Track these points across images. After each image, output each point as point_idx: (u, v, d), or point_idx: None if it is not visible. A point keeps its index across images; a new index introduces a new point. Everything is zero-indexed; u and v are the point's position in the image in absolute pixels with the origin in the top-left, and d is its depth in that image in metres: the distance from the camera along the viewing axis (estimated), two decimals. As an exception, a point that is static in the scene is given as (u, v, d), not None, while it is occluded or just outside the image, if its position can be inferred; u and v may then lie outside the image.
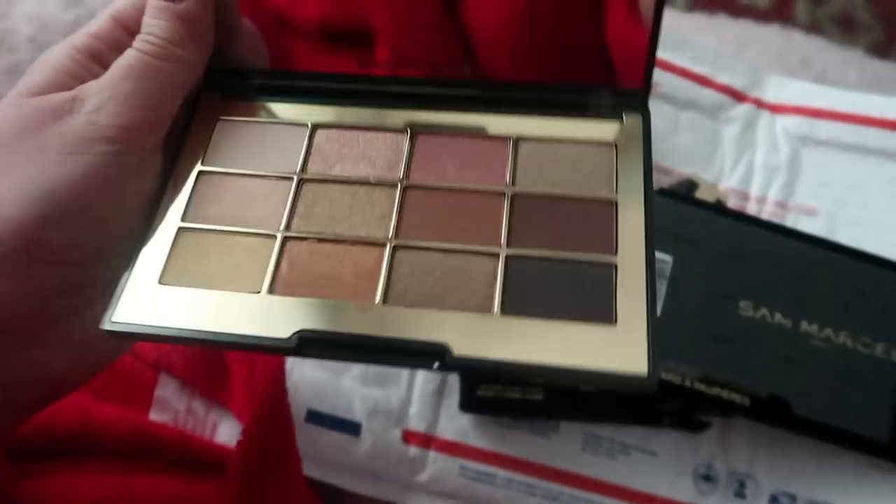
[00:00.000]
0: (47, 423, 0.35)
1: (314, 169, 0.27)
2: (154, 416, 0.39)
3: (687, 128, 0.45)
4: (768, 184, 0.45)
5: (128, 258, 0.25)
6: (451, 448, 0.40)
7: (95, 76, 0.25)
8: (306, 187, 0.26)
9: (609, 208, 0.25)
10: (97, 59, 0.26)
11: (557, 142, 0.27)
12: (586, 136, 0.26)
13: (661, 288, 0.38)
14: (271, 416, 0.35)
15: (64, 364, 0.24)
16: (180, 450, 0.37)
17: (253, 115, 0.28)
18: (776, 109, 0.46)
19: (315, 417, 0.39)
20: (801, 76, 0.48)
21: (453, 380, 0.40)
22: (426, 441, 0.40)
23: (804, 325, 0.37)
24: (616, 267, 0.24)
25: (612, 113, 0.27)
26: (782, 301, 0.38)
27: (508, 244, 0.25)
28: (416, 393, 0.40)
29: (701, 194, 0.41)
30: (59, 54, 0.25)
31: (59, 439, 0.35)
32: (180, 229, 0.25)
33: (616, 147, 0.26)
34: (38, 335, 0.23)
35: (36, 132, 0.23)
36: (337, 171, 0.27)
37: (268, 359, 0.37)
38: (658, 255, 0.38)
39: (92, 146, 0.23)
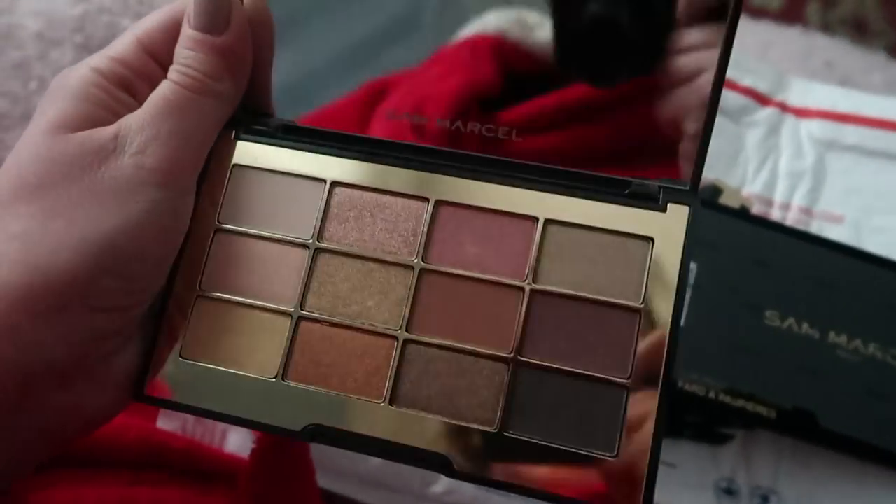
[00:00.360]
0: None
1: (330, 236, 0.26)
2: (162, 423, 0.38)
3: (709, 131, 0.45)
4: (793, 189, 0.44)
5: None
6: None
7: (128, 107, 0.25)
8: (321, 258, 0.26)
9: (633, 319, 0.24)
10: (127, 88, 0.25)
11: (589, 229, 0.25)
12: (622, 225, 0.24)
13: (685, 296, 0.37)
14: None
15: (98, 402, 0.25)
16: (188, 459, 0.36)
17: (268, 162, 0.27)
18: (801, 113, 0.46)
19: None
20: (824, 79, 0.47)
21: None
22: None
23: (832, 336, 0.37)
24: (628, 390, 0.23)
25: (655, 203, 0.24)
26: (810, 311, 0.37)
27: (519, 351, 0.24)
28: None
29: (725, 200, 0.40)
30: (84, 81, 0.25)
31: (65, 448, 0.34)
32: (198, 297, 0.26)
33: (653, 242, 0.24)
34: (81, 376, 0.24)
35: (84, 174, 0.23)
36: (353, 239, 0.26)
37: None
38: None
39: (142, 191, 0.24)
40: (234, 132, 0.27)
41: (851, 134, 0.45)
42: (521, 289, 0.24)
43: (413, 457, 0.23)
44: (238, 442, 0.38)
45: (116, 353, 0.25)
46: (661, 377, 0.23)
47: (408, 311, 0.25)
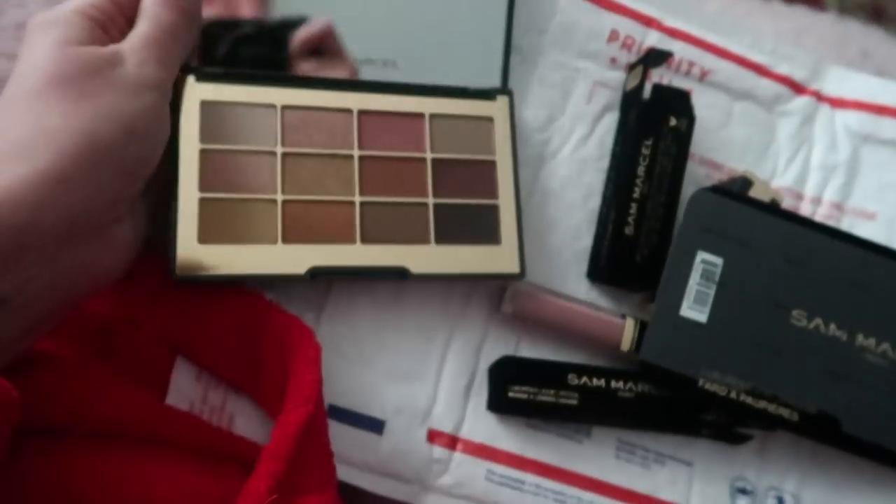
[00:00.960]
0: (66, 399, 0.34)
1: (290, 144, 0.36)
2: (171, 400, 0.38)
3: (740, 120, 0.44)
4: (824, 184, 0.43)
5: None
6: (478, 450, 0.39)
7: (113, 40, 0.31)
8: (288, 161, 0.36)
9: (492, 166, 0.39)
10: (104, 29, 0.32)
11: (457, 117, 0.39)
12: (475, 112, 0.39)
13: (710, 292, 0.37)
14: (314, 402, 0.34)
15: (106, 261, 0.31)
16: (198, 437, 0.36)
17: (228, 97, 0.36)
18: (837, 104, 0.44)
19: (337, 413, 0.38)
20: (861, 69, 0.46)
21: (482, 378, 0.39)
22: (452, 442, 0.39)
23: (860, 339, 0.36)
24: (497, 207, 0.38)
25: (490, 97, 0.39)
26: (838, 312, 0.36)
27: (434, 196, 0.37)
28: (443, 391, 0.39)
29: (755, 193, 0.39)
30: (74, 14, 0.31)
31: (74, 419, 0.34)
32: (202, 199, 0.34)
33: (493, 120, 0.39)
34: (95, 236, 0.29)
35: (101, 74, 0.29)
36: (306, 144, 0.36)
37: (307, 346, 0.36)
38: (708, 256, 0.37)
39: (147, 90, 0.31)
40: (194, 77, 0.36)
41: (890, 127, 0.43)
42: (425, 159, 0.38)
43: (383, 272, 0.36)
44: (244, 426, 0.38)
45: (123, 220, 0.31)
46: (514, 195, 0.38)
47: (357, 184, 0.36)
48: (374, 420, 0.38)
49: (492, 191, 0.38)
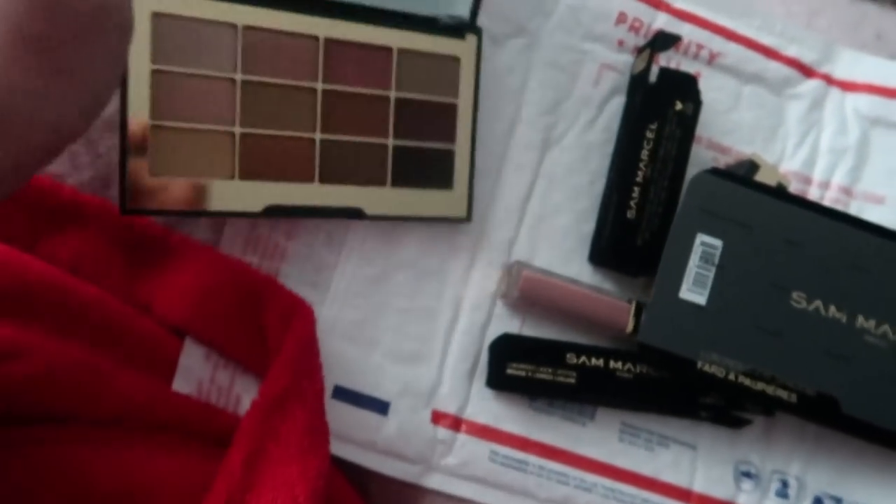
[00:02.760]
0: (65, 387, 0.37)
1: (250, 70, 0.36)
2: (177, 385, 0.41)
3: (749, 103, 0.46)
4: (833, 167, 0.45)
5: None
6: (482, 431, 0.42)
7: None
8: (246, 89, 0.36)
9: (453, 110, 0.40)
10: None
11: (425, 55, 0.40)
12: (443, 50, 0.40)
13: (710, 274, 0.39)
14: (295, 377, 0.37)
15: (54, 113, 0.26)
16: (204, 422, 0.39)
17: (182, 9, 0.34)
18: (847, 87, 0.46)
19: (342, 394, 0.41)
20: (875, 52, 0.48)
21: (486, 359, 0.42)
22: (456, 423, 0.42)
23: (860, 321, 0.38)
24: (453, 153, 0.41)
25: (459, 35, 0.40)
26: (838, 294, 0.39)
27: (395, 136, 0.39)
28: (448, 372, 0.42)
29: (761, 177, 0.41)
30: None
31: (77, 407, 0.37)
32: (153, 127, 0.34)
33: (460, 61, 0.40)
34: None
35: (87, 34, 0.25)
36: (268, 73, 0.36)
37: (303, 321, 0.39)
38: (708, 238, 0.39)
39: (122, 49, 0.27)
40: None
41: (900, 110, 0.45)
42: (388, 98, 0.39)
43: (340, 212, 0.38)
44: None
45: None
46: (471, 141, 0.41)
47: (319, 120, 0.37)
48: (379, 401, 0.41)
49: (450, 135, 0.40)
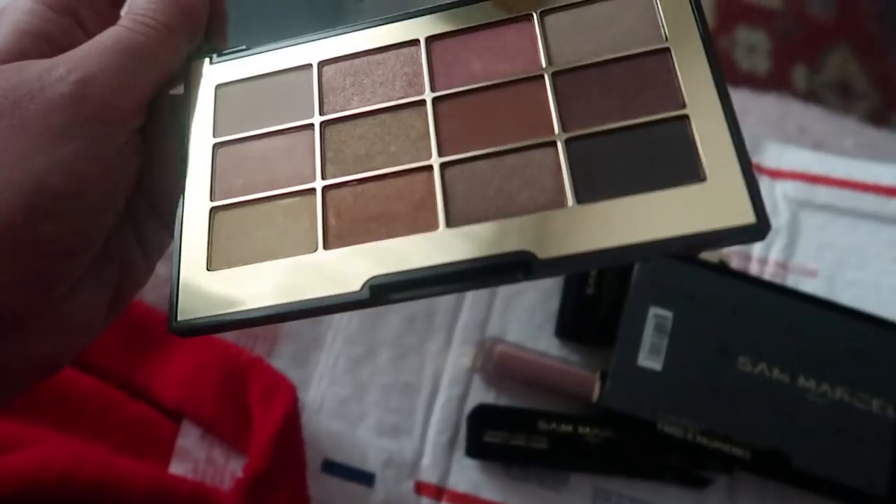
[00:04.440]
0: (67, 475, 0.39)
1: (332, 108, 0.27)
2: (175, 467, 0.43)
3: (690, 191, 0.51)
4: (769, 245, 0.51)
5: (111, 244, 0.26)
6: (463, 500, 0.45)
7: (73, 39, 0.26)
8: (330, 130, 0.27)
9: (665, 57, 0.25)
10: (71, 14, 0.26)
11: (586, 3, 0.26)
12: None
13: (663, 343, 0.43)
14: (277, 454, 0.40)
15: (47, 350, 0.25)
16: (197, 502, 0.41)
17: (250, 71, 0.28)
18: (775, 175, 0.52)
19: (330, 467, 0.44)
20: (798, 143, 0.54)
21: (465, 431, 0.45)
22: (438, 493, 0.44)
23: (801, 381, 0.43)
24: (689, 118, 0.24)
25: None
26: (780, 357, 0.43)
27: (563, 128, 0.25)
28: (430, 444, 0.45)
29: (705, 255, 0.46)
30: (23, 10, 0.25)
31: (78, 493, 0.39)
32: (213, 209, 0.26)
33: None
34: (22, 323, 0.24)
35: (17, 109, 0.23)
36: (356, 103, 0.27)
37: (284, 399, 0.42)
38: (659, 311, 0.44)
39: (82, 126, 0.23)
40: (209, 59, 0.28)
41: (823, 194, 0.51)
42: (541, 76, 0.26)
43: (490, 269, 0.23)
44: (246, 482, 0.43)
45: (66, 300, 0.24)
46: (717, 91, 0.24)
47: (434, 139, 0.25)
48: (365, 473, 0.44)
49: (672, 97, 0.24)
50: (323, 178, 0.26)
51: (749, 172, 0.23)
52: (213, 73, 0.28)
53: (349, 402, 0.45)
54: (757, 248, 0.51)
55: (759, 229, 0.22)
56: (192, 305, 0.25)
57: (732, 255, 0.50)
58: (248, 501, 0.39)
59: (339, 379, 0.45)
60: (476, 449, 0.44)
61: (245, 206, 0.26)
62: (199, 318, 0.24)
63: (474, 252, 0.23)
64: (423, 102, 0.26)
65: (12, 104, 0.23)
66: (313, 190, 0.26)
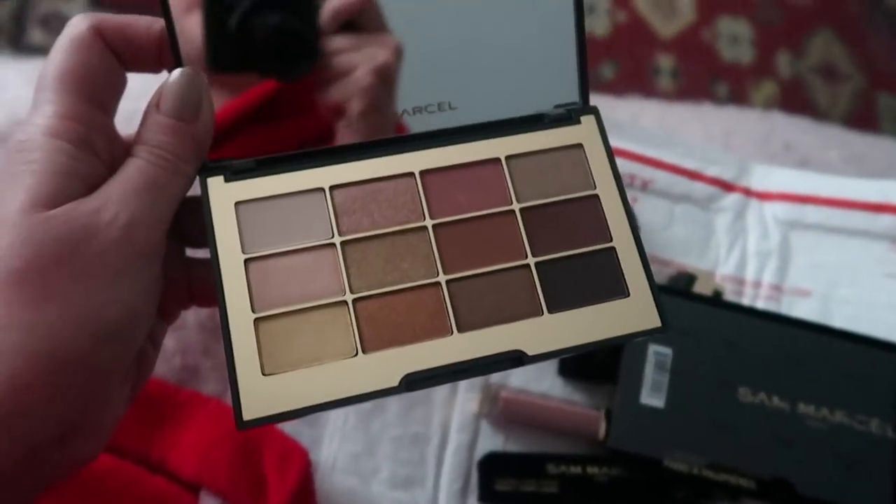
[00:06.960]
0: None
1: (347, 229, 0.33)
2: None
3: (681, 219, 0.53)
4: (762, 268, 0.52)
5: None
6: (478, 546, 0.46)
7: (93, 167, 0.28)
8: (348, 249, 0.32)
9: (595, 201, 0.34)
10: (89, 146, 0.28)
11: (539, 153, 0.35)
12: (559, 142, 0.35)
13: (664, 380, 0.44)
14: None
15: (91, 447, 0.28)
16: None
17: (265, 191, 0.33)
18: (763, 197, 0.53)
19: (347, 523, 0.45)
20: (785, 160, 0.55)
21: (477, 477, 0.46)
22: (454, 540, 0.46)
23: (801, 407, 0.44)
24: (615, 249, 0.33)
25: (571, 121, 0.35)
26: (779, 385, 0.44)
27: (533, 254, 0.33)
28: (443, 492, 0.46)
29: (700, 286, 0.48)
30: (48, 150, 0.27)
31: None
32: (256, 320, 0.31)
33: (583, 146, 0.35)
34: (79, 431, 0.27)
35: (73, 254, 0.26)
36: (366, 224, 0.33)
37: (298, 463, 0.43)
38: (659, 348, 0.45)
39: (130, 263, 0.27)
40: (223, 177, 0.32)
41: (812, 213, 0.52)
42: (512, 211, 0.34)
43: (493, 365, 0.31)
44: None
45: (104, 408, 0.28)
46: (630, 227, 0.33)
47: (438, 260, 0.32)
48: (381, 526, 0.45)
49: (602, 232, 0.33)
50: (351, 291, 0.32)
51: (655, 289, 0.32)
52: (230, 191, 0.32)
53: (361, 457, 0.46)
54: (751, 272, 0.52)
55: (663, 330, 0.32)
56: (254, 406, 0.30)
57: (726, 280, 0.51)
58: None
59: (350, 435, 0.46)
60: (488, 497, 0.45)
61: (286, 317, 0.31)
62: (263, 416, 0.29)
63: (481, 352, 0.31)
64: (424, 228, 0.33)
65: (70, 250, 0.26)
66: (344, 302, 0.31)
